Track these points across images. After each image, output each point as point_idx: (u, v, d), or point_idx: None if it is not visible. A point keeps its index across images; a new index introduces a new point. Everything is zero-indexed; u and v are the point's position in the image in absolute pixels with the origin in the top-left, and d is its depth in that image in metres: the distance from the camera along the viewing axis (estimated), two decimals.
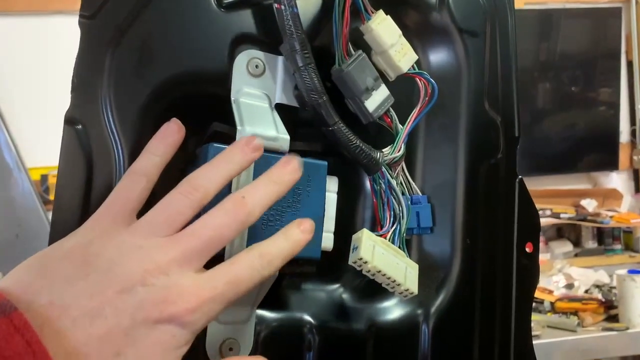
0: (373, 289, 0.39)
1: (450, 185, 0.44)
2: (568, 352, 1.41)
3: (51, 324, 0.25)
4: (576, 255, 1.82)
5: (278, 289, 0.39)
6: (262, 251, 0.31)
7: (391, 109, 0.41)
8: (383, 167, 0.39)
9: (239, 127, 0.34)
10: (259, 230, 0.35)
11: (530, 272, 0.45)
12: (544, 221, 1.71)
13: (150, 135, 0.34)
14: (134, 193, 0.30)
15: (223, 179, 0.31)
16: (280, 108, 0.39)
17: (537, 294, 1.59)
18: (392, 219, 0.39)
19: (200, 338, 0.35)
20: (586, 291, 1.59)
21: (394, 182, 0.40)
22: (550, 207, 1.72)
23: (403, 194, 0.42)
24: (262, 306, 0.37)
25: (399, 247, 0.39)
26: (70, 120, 0.32)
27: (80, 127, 0.33)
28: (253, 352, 0.37)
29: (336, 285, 0.42)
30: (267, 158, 0.35)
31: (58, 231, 0.32)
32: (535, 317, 1.45)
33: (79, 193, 0.32)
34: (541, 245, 1.76)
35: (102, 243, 0.28)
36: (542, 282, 1.65)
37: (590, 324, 1.44)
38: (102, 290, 0.27)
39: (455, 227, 0.43)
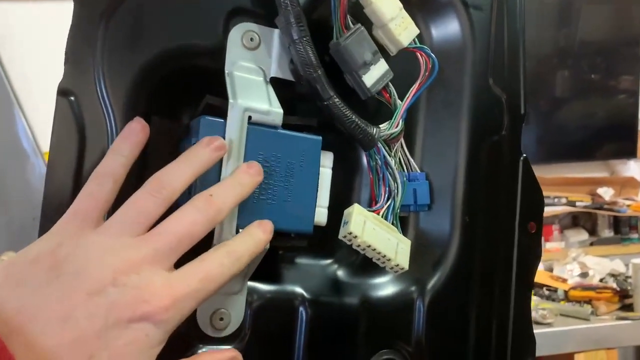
0: (368, 265, 0.39)
1: (452, 162, 0.43)
2: (581, 341, 1.40)
3: (20, 331, 0.25)
4: (592, 244, 1.79)
5: (272, 262, 0.39)
6: (229, 249, 0.31)
7: (390, 84, 0.41)
8: (379, 143, 0.39)
9: (231, 100, 0.34)
10: (252, 204, 0.35)
11: (531, 251, 0.45)
12: (559, 209, 1.69)
13: (143, 107, 0.34)
14: (101, 195, 0.30)
15: (189, 177, 0.31)
16: (277, 82, 0.39)
17: (551, 282, 1.57)
18: (387, 195, 0.39)
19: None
20: (601, 280, 1.57)
21: (389, 159, 0.39)
22: (566, 195, 1.70)
23: (402, 170, 0.42)
24: (255, 279, 0.37)
25: (393, 223, 0.38)
26: (63, 92, 0.32)
27: (73, 98, 0.33)
28: (243, 323, 0.37)
29: (330, 261, 0.42)
30: (261, 131, 0.35)
31: (50, 203, 0.32)
32: (548, 305, 1.43)
33: (72, 164, 0.33)
34: (556, 233, 1.74)
35: (70, 246, 0.28)
36: (556, 270, 1.63)
37: (604, 313, 1.42)
38: (72, 294, 0.27)
39: (455, 204, 0.43)
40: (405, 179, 0.41)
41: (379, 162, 0.39)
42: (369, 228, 0.36)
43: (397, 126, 0.40)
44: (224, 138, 0.34)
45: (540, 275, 1.60)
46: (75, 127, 0.33)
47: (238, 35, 0.37)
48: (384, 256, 0.37)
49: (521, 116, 0.45)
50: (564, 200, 1.69)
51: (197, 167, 0.31)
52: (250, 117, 0.35)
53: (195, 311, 0.35)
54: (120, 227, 0.29)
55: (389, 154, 0.40)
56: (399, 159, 0.42)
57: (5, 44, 1.68)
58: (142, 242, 0.29)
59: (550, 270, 1.65)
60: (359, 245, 0.36)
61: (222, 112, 0.34)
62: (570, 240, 1.73)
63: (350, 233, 0.35)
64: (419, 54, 0.41)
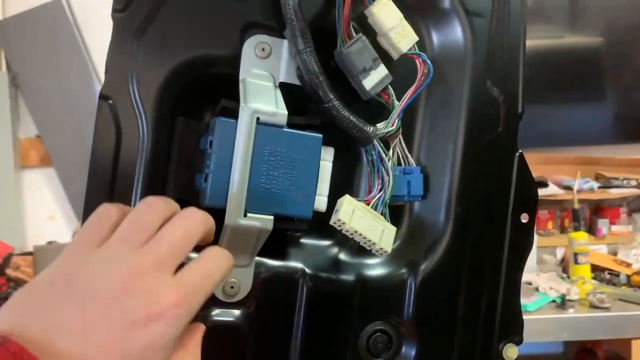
0: (364, 247, 0.44)
1: (448, 157, 0.47)
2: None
3: (48, 349, 0.27)
4: None
5: (280, 242, 0.45)
6: (222, 250, 0.35)
7: (389, 87, 0.45)
8: (375, 140, 0.44)
9: (242, 104, 0.40)
10: (258, 192, 0.41)
11: (523, 240, 0.48)
12: (627, 192, 1.63)
13: (170, 108, 0.41)
14: (107, 222, 0.33)
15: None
16: (289, 85, 0.44)
17: (614, 266, 1.54)
18: (379, 186, 0.44)
19: None
20: None
21: (383, 154, 0.44)
22: (635, 177, 1.64)
23: (399, 164, 0.47)
24: (264, 255, 0.44)
25: (382, 213, 0.43)
26: (103, 96, 0.40)
27: (111, 101, 0.40)
28: (251, 292, 0.44)
29: (331, 242, 0.47)
30: (268, 130, 0.41)
31: (93, 185, 0.40)
32: (607, 289, 1.41)
33: (110, 156, 0.40)
34: (624, 216, 1.68)
35: (80, 265, 0.30)
36: (621, 254, 1.59)
37: None
38: (88, 306, 0.29)
39: (450, 196, 0.47)
40: (397, 172, 0.45)
41: (375, 157, 0.44)
42: (357, 216, 0.41)
43: (393, 125, 0.45)
44: (235, 136, 0.40)
45: (603, 259, 1.57)
46: (113, 125, 0.40)
47: (252, 45, 0.43)
48: (370, 240, 0.42)
49: (518, 115, 0.48)
50: (633, 182, 1.63)
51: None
52: (258, 118, 0.40)
53: None
54: (123, 241, 0.31)
55: (383, 151, 0.44)
56: (397, 154, 0.46)
57: (86, 16, 1.82)
58: (144, 251, 0.31)
59: (614, 254, 1.61)
60: (347, 231, 0.42)
61: (235, 114, 0.41)
62: (638, 224, 1.68)
63: (339, 220, 0.41)
64: (416, 60, 0.45)
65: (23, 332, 0.27)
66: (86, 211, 0.39)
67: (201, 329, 0.35)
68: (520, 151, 0.48)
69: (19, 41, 1.86)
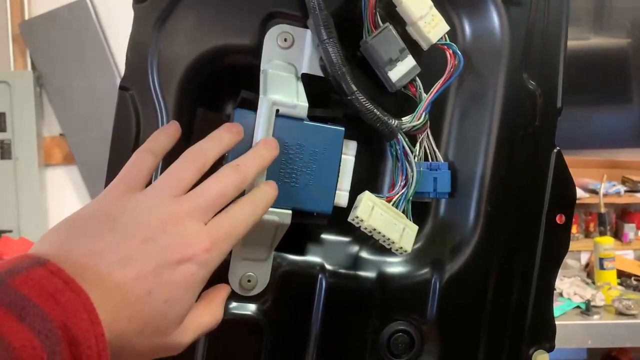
0: None
1: (479, 153, 0.46)
2: None
3: (89, 271, 0.29)
4: None
5: (300, 237, 0.44)
6: (248, 200, 0.36)
7: (417, 79, 0.43)
8: (399, 134, 0.42)
9: (261, 95, 0.39)
10: (277, 184, 0.39)
11: (558, 242, 0.46)
12: None
13: (189, 100, 0.40)
14: (144, 166, 0.35)
15: (217, 153, 0.36)
16: (314, 77, 0.43)
17: None
18: (403, 182, 0.42)
19: (223, 273, 0.41)
20: None
21: (408, 149, 0.42)
22: None
23: (427, 160, 0.45)
24: (283, 250, 0.43)
25: (404, 210, 0.42)
26: (123, 87, 0.39)
27: (131, 92, 0.39)
28: (269, 286, 0.42)
29: (351, 238, 0.46)
30: (287, 122, 0.40)
31: (114, 171, 0.39)
32: (634, 296, 1.37)
33: (129, 148, 0.39)
34: None
35: (121, 204, 0.33)
36: None
37: None
38: (128, 240, 0.31)
39: (480, 194, 0.45)
40: (423, 168, 0.44)
41: (399, 152, 0.43)
42: (377, 213, 0.40)
43: (419, 119, 0.43)
44: (253, 129, 0.39)
45: (630, 264, 1.53)
46: (134, 116, 0.39)
47: (274, 36, 0.41)
48: (389, 239, 0.40)
49: (557, 110, 0.46)
50: None
51: (223, 145, 0.37)
52: (277, 110, 0.39)
53: (227, 274, 0.41)
54: (163, 189, 0.34)
55: (408, 145, 0.43)
56: (424, 149, 0.45)
57: (109, 16, 1.83)
58: (183, 200, 0.33)
59: None
60: (365, 228, 0.40)
61: (255, 105, 0.40)
62: None
63: (357, 217, 0.39)
64: (446, 51, 0.43)
65: (64, 256, 0.29)
66: None
67: (226, 289, 0.38)
68: (557, 148, 0.46)
69: (44, 41, 1.88)
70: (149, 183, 0.35)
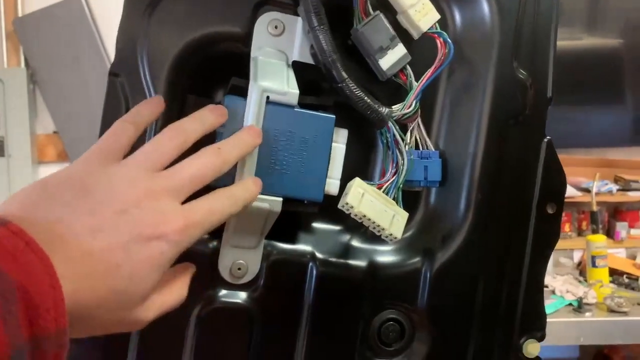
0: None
1: (470, 142, 0.46)
2: None
3: (55, 236, 0.28)
4: None
5: (290, 225, 0.44)
6: (228, 193, 0.36)
7: (408, 67, 0.43)
8: (390, 122, 0.42)
9: (251, 82, 0.39)
10: (268, 173, 0.40)
11: (548, 232, 0.46)
12: None
13: (179, 87, 0.39)
14: (124, 137, 0.34)
15: (199, 132, 0.36)
16: (306, 65, 0.43)
17: (633, 270, 1.50)
18: (394, 170, 0.42)
19: (214, 261, 0.41)
20: None
21: (398, 137, 0.42)
22: None
23: (417, 148, 0.45)
24: (274, 238, 0.43)
25: (394, 197, 0.42)
26: (113, 74, 0.39)
27: (121, 79, 0.39)
28: (259, 274, 0.42)
29: (342, 227, 0.46)
30: (278, 110, 0.40)
31: None
32: (625, 293, 1.38)
33: None
34: None
35: (97, 173, 0.32)
36: None
37: None
38: (101, 210, 0.30)
39: (471, 182, 0.45)
40: (414, 157, 0.44)
41: (390, 140, 0.43)
42: (367, 200, 0.40)
43: (410, 107, 0.43)
44: (244, 116, 0.39)
45: (622, 262, 1.54)
46: (123, 103, 0.39)
47: (264, 23, 0.41)
48: (379, 225, 0.40)
49: (547, 100, 0.46)
50: None
51: (206, 125, 0.36)
52: (268, 97, 0.39)
53: (217, 261, 0.41)
54: (141, 162, 0.33)
55: (399, 133, 0.43)
56: (415, 137, 0.45)
57: (103, 13, 1.83)
58: (161, 176, 0.33)
59: (633, 257, 1.58)
60: (356, 215, 0.40)
61: (246, 92, 0.39)
62: None
63: (347, 203, 0.39)
64: (436, 39, 0.43)
65: (30, 219, 0.28)
66: None
67: (191, 268, 0.37)
68: (548, 137, 0.46)
69: (38, 38, 1.87)
70: (127, 155, 0.34)
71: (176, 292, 0.35)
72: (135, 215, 0.31)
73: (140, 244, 0.31)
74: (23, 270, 0.25)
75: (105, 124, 0.39)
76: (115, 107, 0.39)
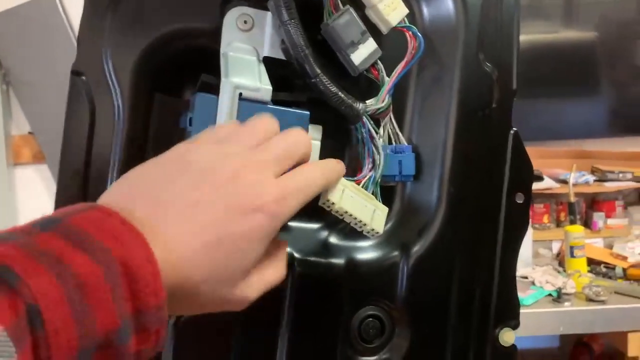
0: (355, 230, 0.42)
1: (440, 135, 0.46)
2: (637, 320, 1.36)
3: (157, 213, 0.29)
4: None
5: None
6: (322, 165, 0.37)
7: (379, 62, 0.43)
8: (365, 117, 0.42)
9: (223, 79, 0.38)
10: None
11: (518, 221, 0.47)
12: (623, 185, 1.62)
13: (146, 85, 0.39)
14: (221, 131, 0.35)
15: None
16: (276, 61, 0.42)
17: (610, 260, 1.52)
18: (370, 165, 0.42)
19: None
20: None
21: (373, 132, 0.42)
22: (631, 170, 1.62)
23: (390, 143, 0.45)
24: None
25: (373, 192, 0.42)
26: (75, 72, 0.38)
27: (84, 77, 0.38)
28: None
29: (321, 225, 0.46)
30: (251, 106, 0.39)
31: (66, 169, 0.38)
32: (603, 282, 1.40)
33: (84, 136, 0.38)
34: (619, 209, 1.67)
35: (193, 151, 0.32)
36: (617, 247, 1.57)
37: None
38: (199, 185, 0.30)
39: (442, 175, 0.45)
40: (388, 151, 0.43)
41: (365, 135, 0.42)
42: (347, 196, 0.39)
43: (383, 101, 0.43)
44: (216, 113, 0.38)
45: (599, 252, 1.56)
46: (87, 102, 0.38)
47: (233, 18, 0.41)
48: (360, 221, 0.40)
49: (512, 91, 0.46)
50: (629, 176, 1.62)
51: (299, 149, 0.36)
52: (240, 94, 0.39)
53: None
54: (237, 140, 0.34)
55: (374, 128, 0.42)
56: (388, 132, 0.45)
57: (78, 12, 1.80)
58: (257, 150, 0.33)
59: (610, 247, 1.60)
60: (337, 212, 0.40)
61: (216, 89, 0.39)
62: (634, 217, 1.66)
63: (329, 200, 0.39)
64: (406, 33, 0.43)
65: (132, 207, 0.28)
66: (58, 199, 0.37)
67: (286, 245, 0.37)
68: (515, 129, 0.46)
69: (10, 37, 1.84)
70: None
71: (277, 268, 0.34)
72: (232, 188, 0.31)
73: (240, 217, 0.30)
74: (122, 245, 0.26)
75: (69, 125, 0.38)
76: (79, 108, 0.38)
